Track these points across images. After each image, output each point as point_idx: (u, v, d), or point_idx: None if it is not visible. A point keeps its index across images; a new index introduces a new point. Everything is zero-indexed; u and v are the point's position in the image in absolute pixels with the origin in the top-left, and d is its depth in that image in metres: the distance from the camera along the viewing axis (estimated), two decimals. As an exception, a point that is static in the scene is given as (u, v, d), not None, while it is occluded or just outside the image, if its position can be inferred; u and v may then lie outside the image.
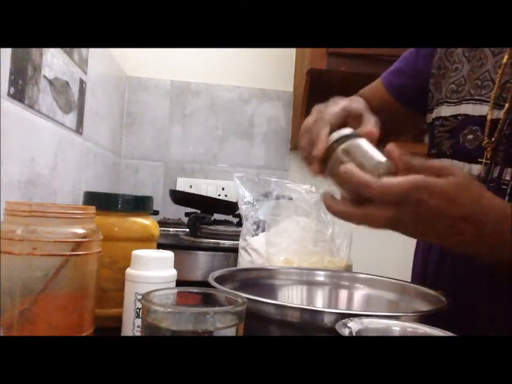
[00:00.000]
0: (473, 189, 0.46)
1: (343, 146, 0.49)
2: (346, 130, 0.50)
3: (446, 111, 0.65)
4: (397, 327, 0.37)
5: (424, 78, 0.71)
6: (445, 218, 0.44)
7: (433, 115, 0.68)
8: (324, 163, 0.51)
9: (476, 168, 0.59)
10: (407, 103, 0.75)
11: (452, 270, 0.63)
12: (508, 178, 0.56)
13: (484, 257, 0.50)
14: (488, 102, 0.59)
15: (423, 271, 0.69)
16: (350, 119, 0.57)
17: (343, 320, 0.36)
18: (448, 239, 0.47)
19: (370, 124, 0.55)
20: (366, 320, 0.37)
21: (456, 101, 0.64)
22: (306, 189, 0.88)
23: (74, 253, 0.47)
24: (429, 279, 0.67)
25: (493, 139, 0.58)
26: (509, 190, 0.56)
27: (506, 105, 0.57)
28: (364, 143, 0.48)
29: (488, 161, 0.58)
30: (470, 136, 0.61)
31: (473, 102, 0.61)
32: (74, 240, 0.47)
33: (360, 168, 0.45)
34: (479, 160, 0.59)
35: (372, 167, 0.46)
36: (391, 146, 0.46)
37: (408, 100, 0.74)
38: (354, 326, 0.35)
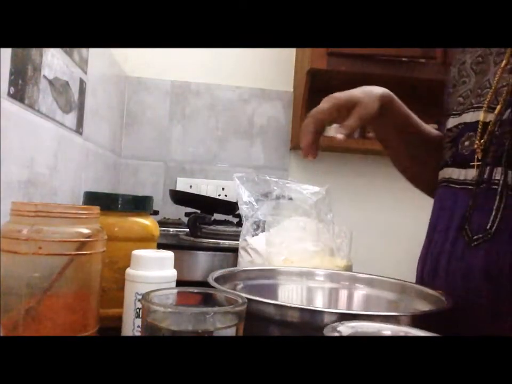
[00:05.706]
0: None
1: None
2: None
3: (449, 122, 0.66)
4: (388, 331, 0.36)
5: None
6: None
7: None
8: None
9: (470, 173, 0.59)
10: None
11: (447, 271, 0.63)
12: (498, 178, 0.55)
13: None
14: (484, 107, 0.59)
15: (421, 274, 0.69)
16: (343, 109, 0.63)
17: (333, 325, 0.35)
18: None
19: (352, 119, 0.61)
20: (356, 324, 0.36)
21: (460, 112, 0.64)
22: (306, 189, 0.88)
23: (79, 252, 0.47)
24: (426, 280, 0.67)
25: (482, 140, 0.57)
26: (499, 189, 0.55)
27: (498, 106, 0.57)
28: None
29: (479, 163, 0.58)
30: (466, 143, 0.61)
31: (472, 110, 0.61)
32: (79, 239, 0.47)
33: None
34: (471, 164, 0.59)
35: None
36: None
37: None
38: (344, 330, 0.34)
